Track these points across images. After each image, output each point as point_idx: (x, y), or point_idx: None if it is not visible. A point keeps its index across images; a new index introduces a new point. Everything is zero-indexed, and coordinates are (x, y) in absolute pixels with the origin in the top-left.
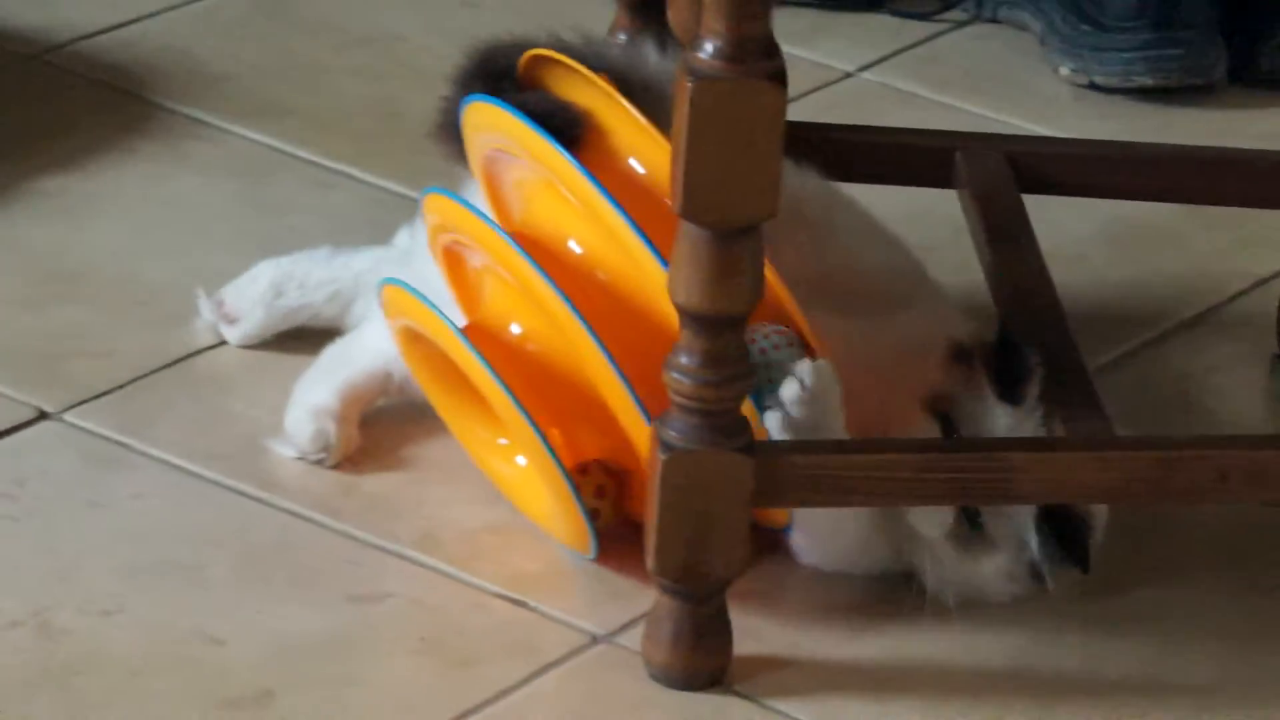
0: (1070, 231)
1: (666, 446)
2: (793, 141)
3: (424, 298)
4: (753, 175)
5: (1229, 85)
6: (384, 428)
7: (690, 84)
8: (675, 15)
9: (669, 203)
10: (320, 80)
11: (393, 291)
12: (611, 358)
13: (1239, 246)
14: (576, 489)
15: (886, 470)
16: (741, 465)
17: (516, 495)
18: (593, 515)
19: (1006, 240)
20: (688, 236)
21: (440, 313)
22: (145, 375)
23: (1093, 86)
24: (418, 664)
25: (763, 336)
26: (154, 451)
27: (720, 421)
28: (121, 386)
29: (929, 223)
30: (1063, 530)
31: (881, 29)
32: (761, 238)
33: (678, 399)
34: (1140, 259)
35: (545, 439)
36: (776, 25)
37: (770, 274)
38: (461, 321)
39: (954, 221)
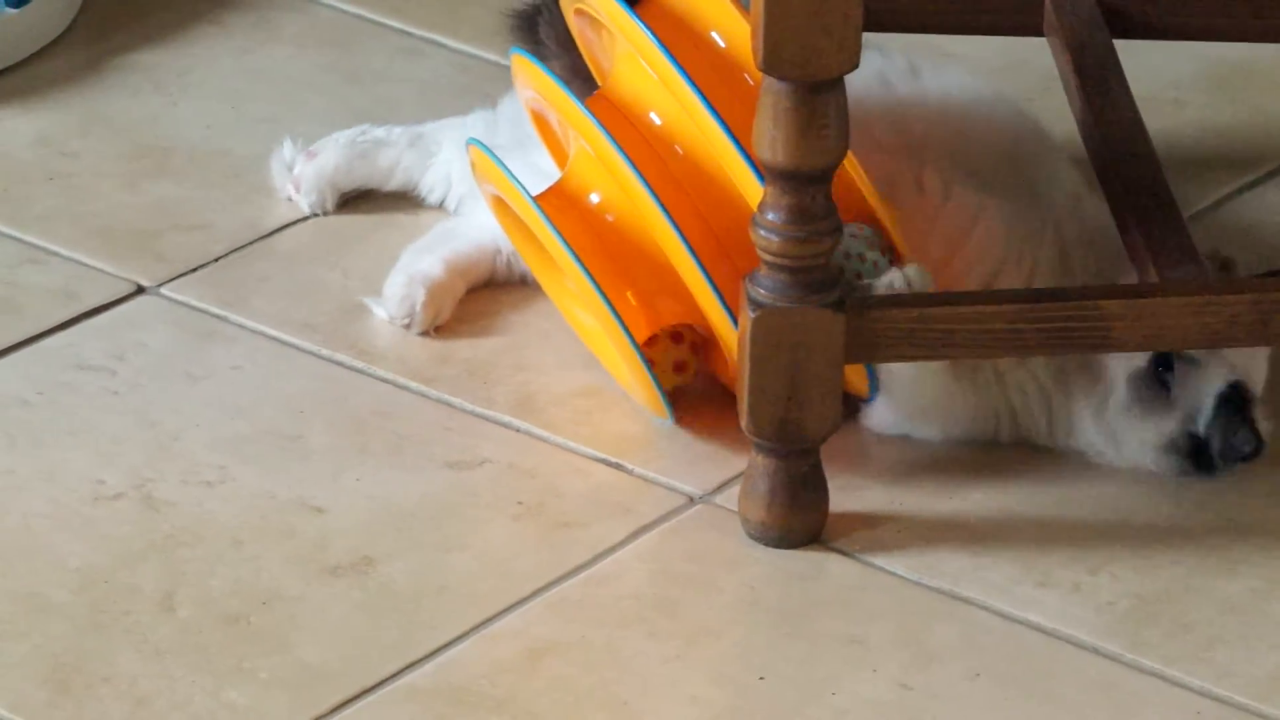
0: (1168, 76)
1: (755, 304)
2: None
3: (500, 162)
4: (833, 28)
5: None
6: (479, 296)
7: None
8: None
9: (748, 79)
10: None
11: (476, 153)
12: (682, 234)
13: None
14: (647, 361)
15: (982, 322)
16: (832, 321)
17: (604, 357)
18: (671, 386)
19: (1098, 87)
20: (770, 92)
21: (514, 178)
22: (240, 248)
23: None
24: (516, 528)
25: (849, 236)
26: (250, 323)
27: (809, 278)
28: (217, 260)
29: (1024, 73)
30: (1239, 413)
31: None
32: (845, 91)
33: (765, 256)
34: (1240, 101)
35: (615, 310)
36: None
37: (859, 177)
38: (543, 186)
39: (1049, 71)
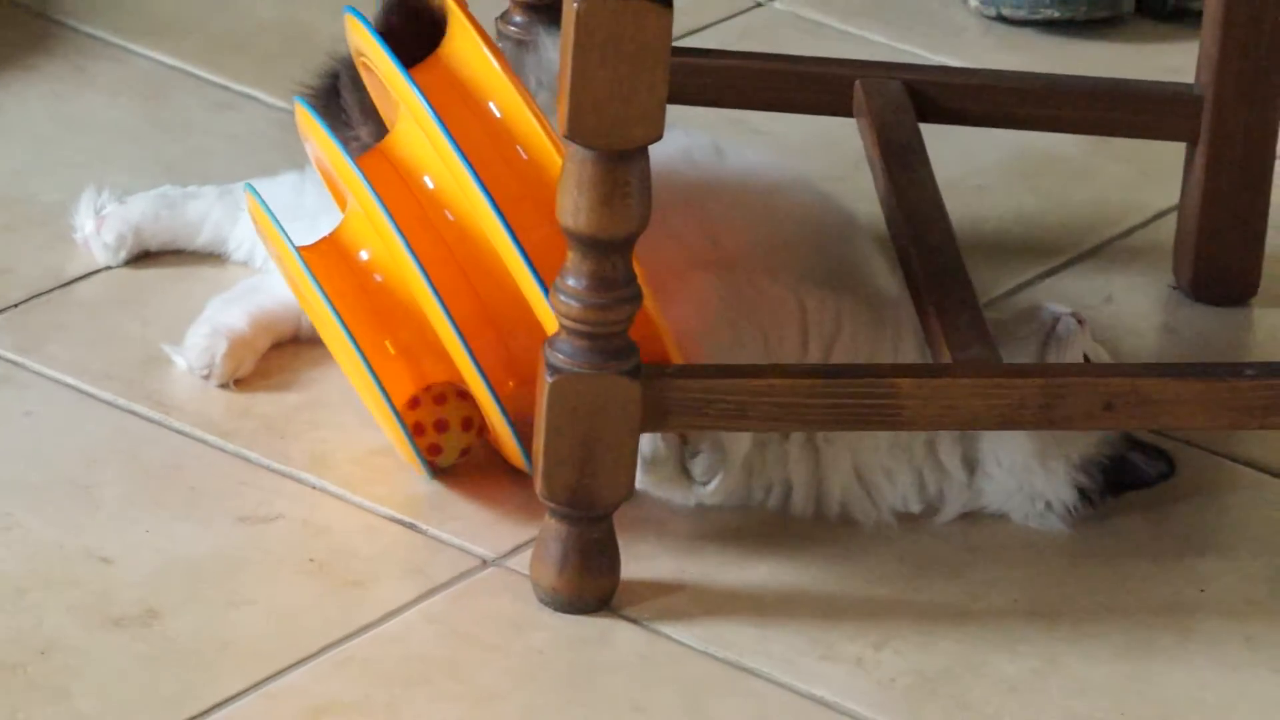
0: (974, 162)
1: (553, 369)
2: (696, 70)
3: (269, 210)
4: (639, 97)
5: (1136, 18)
6: (281, 352)
7: (576, 4)
8: None
9: (521, 153)
10: (225, 1)
11: (250, 201)
12: (440, 298)
13: (1141, 179)
14: (397, 413)
15: (772, 395)
16: (629, 388)
17: (378, 414)
18: (431, 449)
19: (902, 168)
20: (574, 159)
21: (279, 224)
22: (40, 295)
23: (1000, 19)
24: (307, 584)
25: None
26: (47, 370)
27: (607, 345)
28: (15, 305)
29: (834, 152)
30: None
31: None
32: (648, 161)
33: (565, 321)
34: (1043, 190)
35: (369, 362)
36: None
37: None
38: (310, 240)
39: (858, 152)
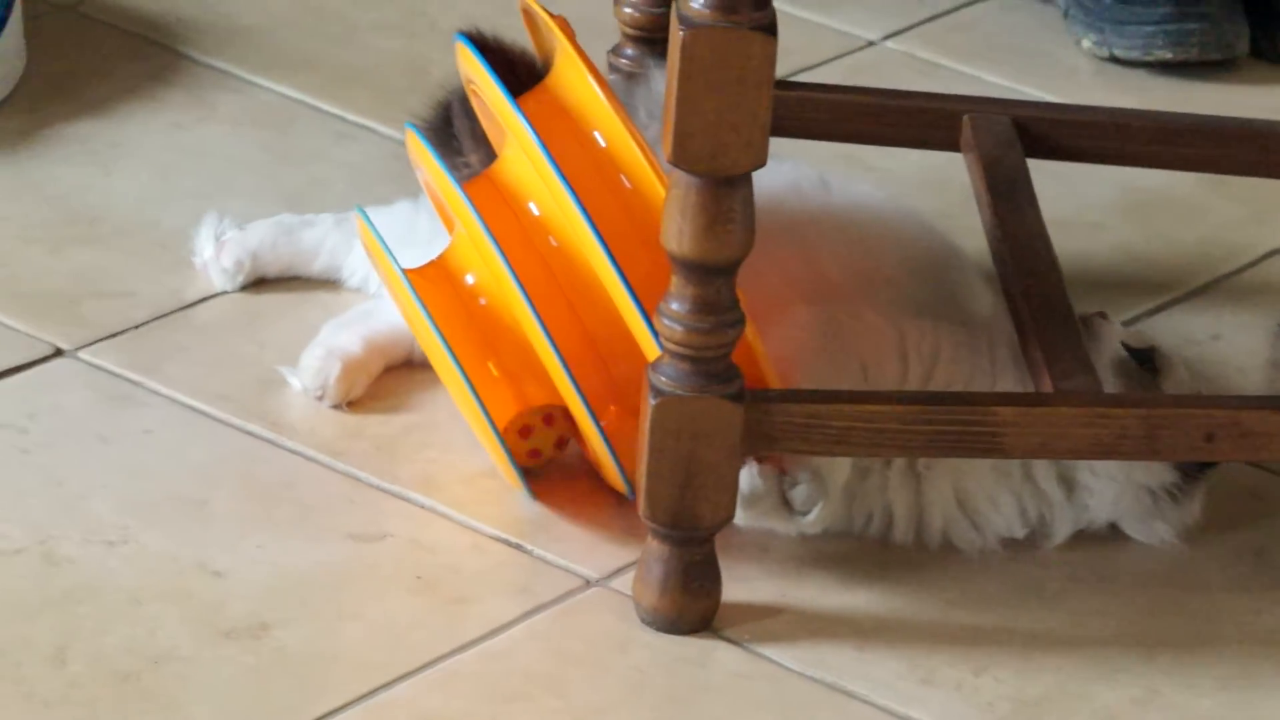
0: (1087, 199)
1: (657, 392)
2: (806, 104)
3: (377, 234)
4: (743, 124)
5: (1250, 61)
6: (394, 375)
7: (682, 32)
8: None
9: (625, 181)
10: (347, 36)
11: (360, 224)
12: (543, 323)
13: (1254, 218)
14: (498, 432)
15: (875, 421)
16: (731, 412)
17: (482, 437)
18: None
19: (1008, 203)
20: (679, 185)
21: (386, 246)
22: (160, 317)
23: (1113, 60)
24: (413, 601)
25: None
26: (165, 390)
27: (711, 368)
28: (137, 327)
29: (944, 189)
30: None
31: (907, 0)
32: (751, 187)
33: (668, 345)
34: (1154, 228)
35: (471, 382)
36: None
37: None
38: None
39: (967, 188)
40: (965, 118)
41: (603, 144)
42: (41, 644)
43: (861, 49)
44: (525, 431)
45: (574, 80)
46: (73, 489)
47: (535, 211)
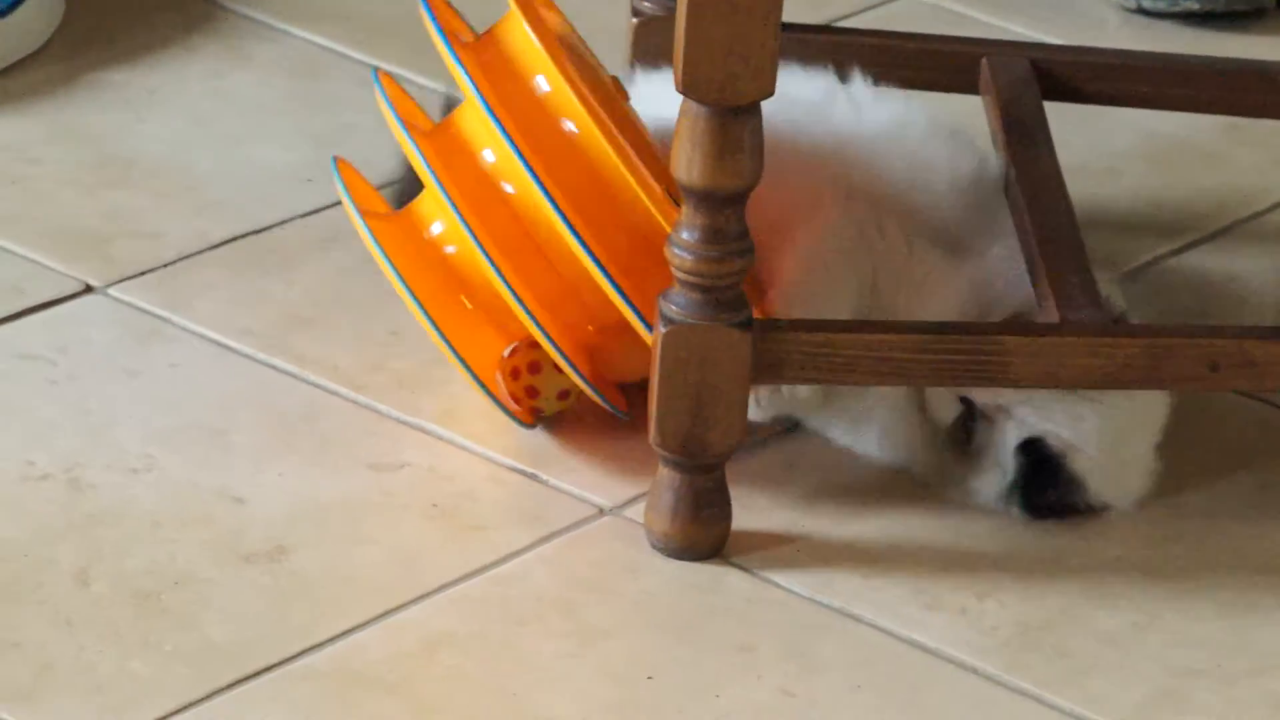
0: (1104, 145)
1: (667, 320)
2: (826, 46)
3: (341, 184)
4: (751, 53)
5: (1277, 13)
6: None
7: None
8: None
9: (568, 126)
10: None
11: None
12: (502, 275)
13: (1273, 164)
14: (480, 382)
15: (883, 350)
16: (740, 340)
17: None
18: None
19: (1023, 142)
20: (688, 114)
21: (349, 200)
22: (188, 256)
23: (1141, 11)
24: (428, 527)
25: None
26: (192, 326)
27: (720, 297)
28: (166, 265)
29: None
30: (1040, 467)
31: None
32: (760, 117)
33: (679, 274)
34: (1173, 173)
35: (440, 330)
36: None
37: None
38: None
39: (985, 131)
40: (983, 60)
41: (545, 89)
42: (66, 565)
43: (891, 2)
44: (515, 373)
45: (514, 28)
46: (99, 419)
47: (490, 159)
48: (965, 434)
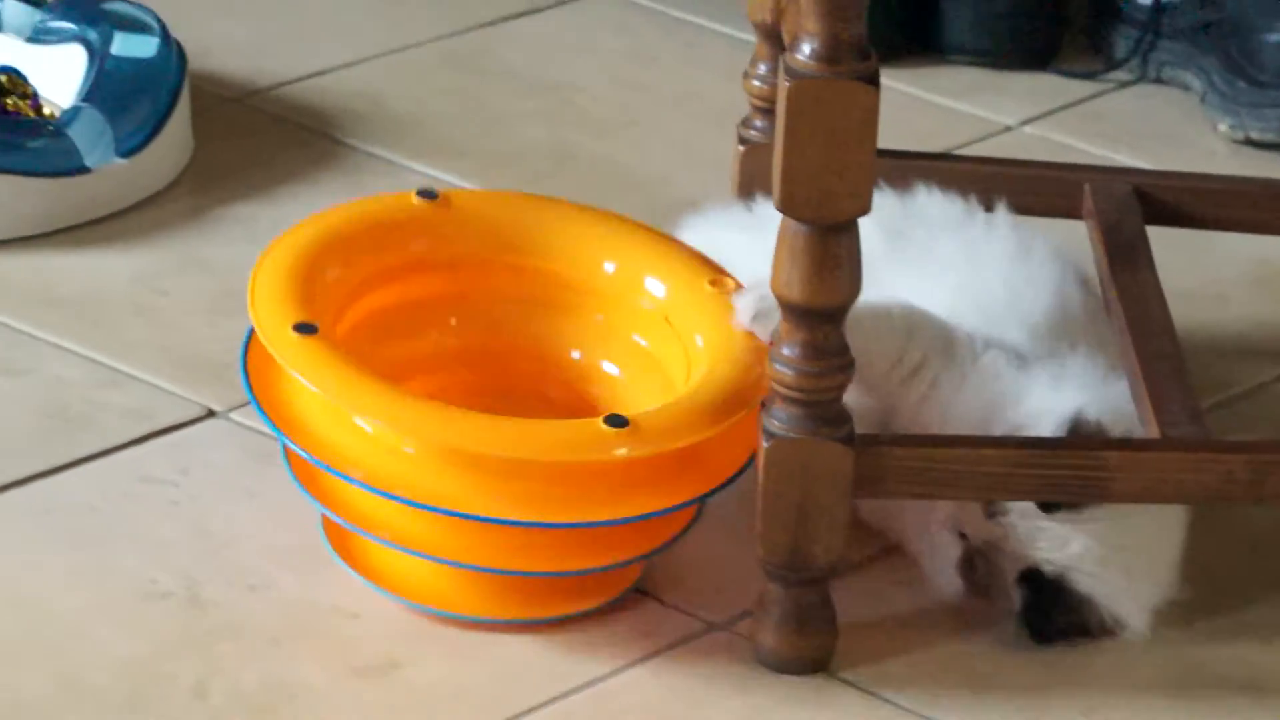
0: (1213, 272)
1: (769, 434)
2: (931, 171)
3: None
4: (847, 171)
5: None
6: None
7: (788, 83)
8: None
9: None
10: (498, 125)
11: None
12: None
13: None
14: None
15: (985, 464)
16: (842, 454)
17: None
18: None
19: (1125, 265)
20: (788, 232)
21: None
22: None
23: (1249, 142)
24: (538, 642)
25: None
26: None
27: (821, 411)
28: None
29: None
30: (1043, 595)
31: (1046, 87)
32: (858, 234)
33: (779, 389)
34: None
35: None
36: (939, 80)
37: None
38: None
39: (1087, 255)
40: (1086, 185)
41: None
42: (185, 679)
43: (999, 133)
44: None
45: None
46: (219, 538)
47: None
48: (971, 569)
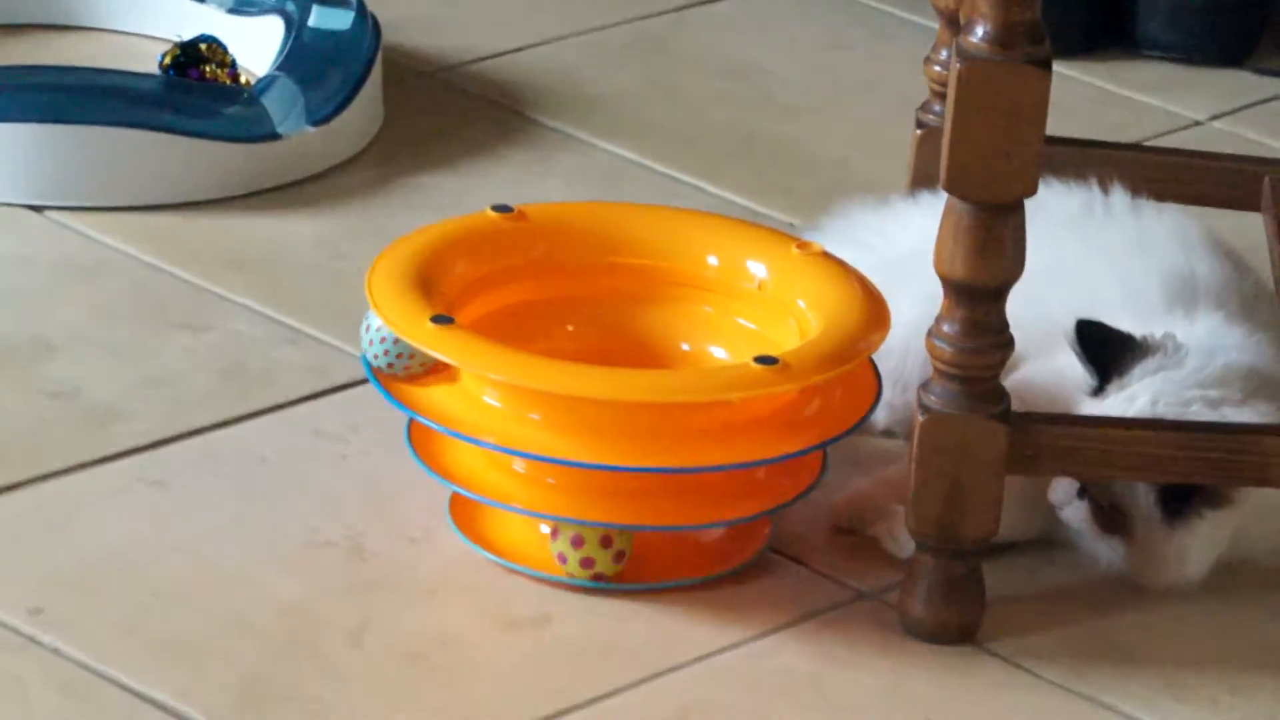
0: None
1: (925, 409)
2: (1108, 160)
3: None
4: (1015, 153)
5: None
6: None
7: (960, 65)
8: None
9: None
10: (683, 105)
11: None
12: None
13: None
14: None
15: (1140, 445)
16: (996, 431)
17: None
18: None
19: None
20: (953, 211)
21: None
22: None
23: None
24: (692, 603)
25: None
26: None
27: (977, 388)
28: None
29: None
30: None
31: (1239, 84)
32: (1023, 214)
33: (938, 365)
34: None
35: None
36: (1131, 74)
37: None
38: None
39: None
40: (1266, 178)
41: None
42: (342, 625)
43: (1187, 127)
44: (562, 558)
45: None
46: (384, 492)
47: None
48: (1101, 512)
